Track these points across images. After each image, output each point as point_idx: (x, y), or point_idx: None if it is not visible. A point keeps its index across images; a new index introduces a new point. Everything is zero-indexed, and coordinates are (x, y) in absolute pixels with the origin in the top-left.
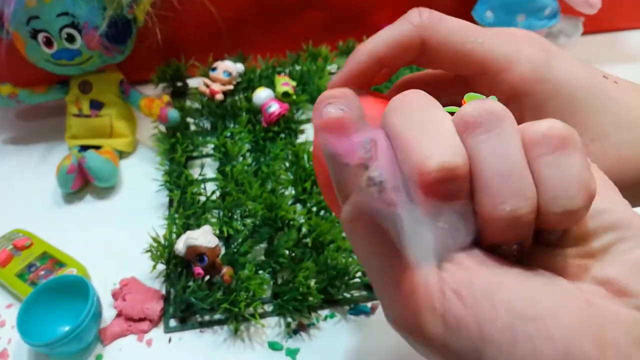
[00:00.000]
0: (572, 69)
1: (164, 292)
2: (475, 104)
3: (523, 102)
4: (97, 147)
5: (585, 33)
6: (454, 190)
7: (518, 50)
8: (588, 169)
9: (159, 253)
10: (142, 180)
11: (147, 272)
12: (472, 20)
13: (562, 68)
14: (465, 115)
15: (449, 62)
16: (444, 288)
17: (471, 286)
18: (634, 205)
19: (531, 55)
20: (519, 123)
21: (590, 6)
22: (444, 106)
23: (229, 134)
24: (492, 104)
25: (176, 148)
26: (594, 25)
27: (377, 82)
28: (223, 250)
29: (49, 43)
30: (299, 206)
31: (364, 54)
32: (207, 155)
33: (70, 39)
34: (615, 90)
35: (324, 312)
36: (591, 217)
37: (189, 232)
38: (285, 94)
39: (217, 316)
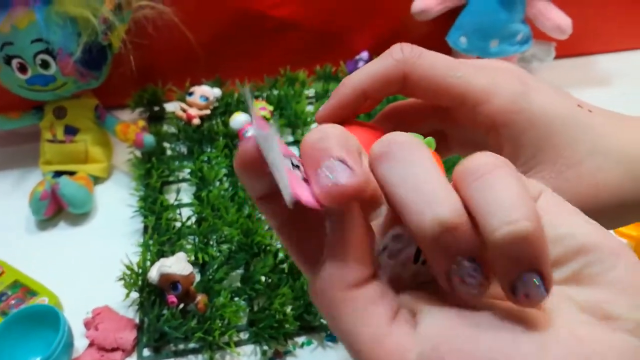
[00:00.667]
0: (549, 100)
1: (137, 320)
2: (381, 140)
3: (502, 133)
4: (71, 173)
5: (557, 57)
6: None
7: (496, 82)
8: (523, 188)
9: (132, 281)
10: (116, 206)
11: (121, 301)
12: (446, 45)
13: (539, 99)
14: (372, 151)
15: (430, 94)
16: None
17: (448, 343)
18: (609, 228)
19: (509, 87)
20: (498, 153)
21: (561, 31)
22: (425, 135)
23: (205, 159)
24: (398, 135)
25: (152, 173)
26: (566, 50)
27: (361, 112)
28: (198, 277)
29: (22, 69)
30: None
31: (349, 88)
32: (183, 180)
33: (45, 65)
34: (589, 119)
35: (301, 339)
36: (555, 243)
37: (162, 260)
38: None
39: (191, 345)
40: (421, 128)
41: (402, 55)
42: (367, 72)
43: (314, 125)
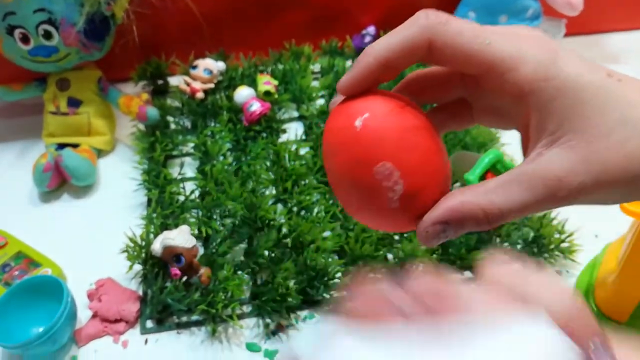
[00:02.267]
0: (578, 69)
1: (140, 293)
2: None
3: (529, 101)
4: (74, 145)
5: (567, 34)
6: None
7: (524, 49)
8: None
9: (135, 253)
10: (120, 179)
11: (124, 273)
12: None
13: (567, 67)
14: None
15: (456, 62)
16: None
17: None
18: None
19: (537, 55)
20: (525, 122)
21: (572, 8)
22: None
23: (209, 133)
24: None
25: (155, 147)
26: (576, 27)
27: (383, 82)
28: (201, 251)
29: (25, 39)
30: (279, 206)
31: (372, 57)
32: (187, 154)
33: (47, 35)
34: (619, 89)
35: (303, 313)
36: None
37: (165, 232)
38: (267, 93)
39: (194, 317)
40: (444, 97)
41: (427, 21)
42: (390, 40)
43: (319, 101)
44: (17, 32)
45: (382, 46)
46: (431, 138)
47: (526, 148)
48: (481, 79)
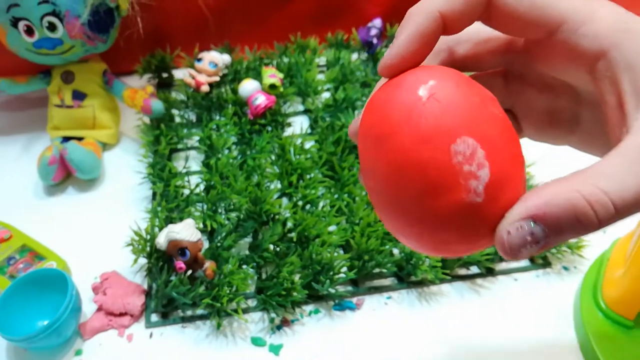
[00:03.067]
0: None
1: (145, 286)
2: None
3: (613, 58)
4: (79, 139)
5: None
6: None
7: (596, 4)
8: None
9: (140, 247)
10: (125, 172)
11: (129, 266)
12: None
13: None
14: None
15: (519, 20)
16: None
17: None
18: None
19: (611, 8)
20: (607, 93)
21: None
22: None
23: (214, 126)
24: None
25: (160, 140)
26: None
27: (427, 52)
28: (206, 245)
29: (30, 32)
30: (284, 200)
31: (422, 14)
32: (192, 148)
33: (52, 27)
34: None
35: (308, 308)
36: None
37: (170, 226)
38: (272, 86)
39: (199, 311)
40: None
41: None
42: None
43: (325, 94)
44: (21, 24)
45: (434, 1)
46: (502, 112)
47: (615, 126)
48: (545, 48)
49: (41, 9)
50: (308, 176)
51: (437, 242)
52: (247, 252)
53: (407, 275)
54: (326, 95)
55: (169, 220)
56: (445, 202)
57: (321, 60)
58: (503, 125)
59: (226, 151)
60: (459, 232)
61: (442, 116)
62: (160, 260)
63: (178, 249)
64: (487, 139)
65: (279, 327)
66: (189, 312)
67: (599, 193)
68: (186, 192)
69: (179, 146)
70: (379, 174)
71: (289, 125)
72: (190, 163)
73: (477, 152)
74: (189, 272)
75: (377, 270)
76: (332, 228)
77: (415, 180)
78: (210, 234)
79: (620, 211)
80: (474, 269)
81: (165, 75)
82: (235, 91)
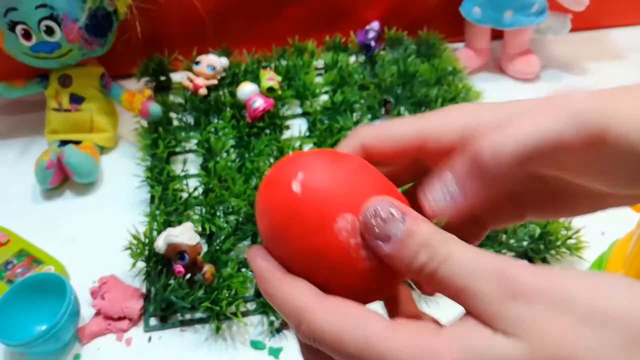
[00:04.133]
0: None
1: (144, 290)
2: None
3: None
4: (77, 142)
5: (572, 30)
6: None
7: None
8: None
9: (138, 250)
10: (123, 176)
11: (127, 270)
12: (459, 16)
13: None
14: None
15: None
16: None
17: None
18: None
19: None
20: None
21: (578, 3)
22: None
23: (212, 130)
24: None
25: (158, 143)
26: (582, 23)
27: None
28: (205, 248)
29: (27, 36)
30: None
31: (348, 141)
32: (190, 151)
33: (49, 31)
34: None
35: None
36: None
37: (169, 229)
38: (271, 89)
39: (198, 315)
40: None
41: None
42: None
43: (323, 97)
44: (19, 28)
45: (361, 134)
46: (378, 175)
47: None
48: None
49: (39, 13)
50: None
51: (359, 298)
52: (246, 256)
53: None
54: (324, 97)
55: (168, 224)
56: (352, 279)
57: (319, 63)
58: (375, 186)
59: (224, 154)
60: (374, 291)
61: (318, 203)
62: (159, 264)
63: (177, 252)
64: (360, 206)
65: (278, 331)
66: (187, 316)
67: None
68: (184, 195)
69: (177, 149)
70: (283, 256)
71: (287, 128)
72: (188, 166)
73: (356, 223)
74: (188, 275)
75: None
76: None
77: (319, 266)
78: (209, 238)
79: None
80: None
81: (163, 78)
82: (233, 94)
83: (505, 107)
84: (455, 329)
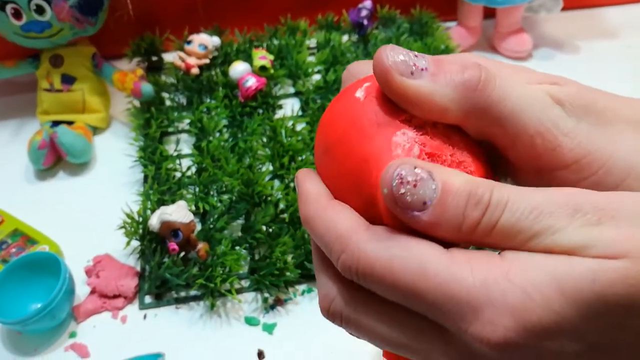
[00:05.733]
0: None
1: (138, 268)
2: None
3: None
4: (69, 123)
5: (565, 8)
6: None
7: None
8: None
9: (132, 229)
10: (116, 156)
11: (121, 249)
12: None
13: None
14: None
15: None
16: None
17: None
18: None
19: None
20: None
21: None
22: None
23: (205, 109)
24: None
25: (151, 123)
26: (574, 1)
27: None
28: (199, 227)
29: (17, 15)
30: (276, 182)
31: None
32: (183, 131)
33: (40, 10)
34: None
35: (301, 287)
36: None
37: (163, 208)
38: (263, 68)
39: (193, 292)
40: None
41: None
42: None
43: (316, 76)
44: (8, 7)
45: None
46: None
47: None
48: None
49: None
50: (300, 158)
51: None
52: (239, 234)
53: None
54: (317, 77)
55: (161, 203)
56: None
57: (311, 42)
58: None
59: (217, 134)
60: None
61: (379, 112)
62: (153, 242)
63: (171, 230)
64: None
65: (272, 307)
66: (182, 294)
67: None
68: (178, 175)
69: (170, 129)
70: (336, 181)
71: (280, 107)
72: (181, 146)
73: (414, 147)
74: (182, 253)
75: None
76: None
77: (363, 181)
78: (203, 216)
79: None
80: None
81: (154, 58)
82: (225, 74)
83: None
84: (528, 259)
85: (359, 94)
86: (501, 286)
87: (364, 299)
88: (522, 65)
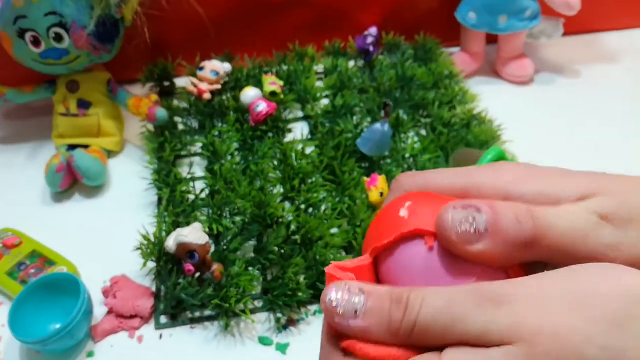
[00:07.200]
0: None
1: (154, 289)
2: None
3: None
4: (84, 147)
5: (565, 34)
6: None
7: None
8: None
9: (149, 251)
10: (131, 179)
11: (138, 270)
12: (455, 21)
13: None
14: None
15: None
16: None
17: None
18: None
19: None
20: None
21: (570, 8)
22: None
23: (217, 133)
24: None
25: (165, 147)
26: (574, 27)
27: None
28: (213, 248)
29: (36, 42)
30: (287, 204)
31: (397, 190)
32: (196, 154)
33: (58, 38)
34: None
35: (313, 308)
36: None
37: (179, 230)
38: (273, 93)
39: (207, 312)
40: None
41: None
42: None
43: (324, 101)
44: (28, 35)
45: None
46: None
47: None
48: None
49: (48, 21)
50: (310, 180)
51: None
52: (252, 255)
53: None
54: (325, 101)
55: (176, 225)
56: None
57: (319, 67)
58: None
59: (229, 157)
60: None
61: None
62: (169, 264)
63: (187, 251)
64: None
65: (285, 327)
66: (197, 314)
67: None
68: (192, 197)
69: (183, 153)
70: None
71: (290, 131)
72: (194, 169)
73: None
74: (197, 274)
75: None
76: (334, 230)
77: None
78: (217, 238)
79: None
80: None
81: (167, 83)
82: (236, 99)
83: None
84: (458, 354)
85: (403, 213)
86: None
87: None
88: (555, 168)
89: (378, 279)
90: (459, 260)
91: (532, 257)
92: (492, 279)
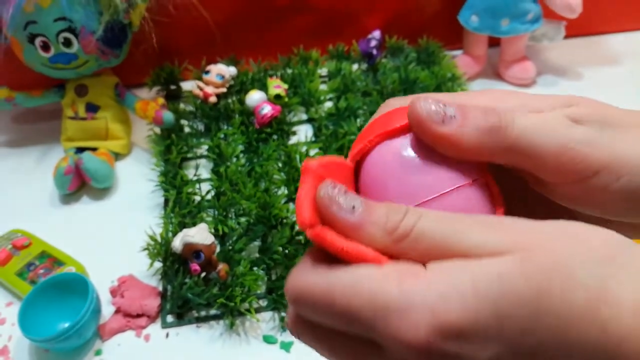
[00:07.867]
0: None
1: (161, 288)
2: None
3: None
4: (92, 149)
5: (567, 36)
6: None
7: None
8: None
9: (155, 251)
10: (137, 180)
11: (144, 270)
12: (458, 24)
13: None
14: None
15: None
16: None
17: None
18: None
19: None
20: None
21: (571, 10)
22: None
23: (222, 136)
24: None
25: (171, 149)
26: (576, 29)
27: None
28: (218, 248)
29: (46, 47)
30: (291, 205)
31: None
32: (202, 157)
33: (67, 43)
34: None
35: None
36: None
37: (185, 230)
38: (278, 96)
39: (213, 311)
40: None
41: None
42: None
43: (327, 104)
44: (38, 40)
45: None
46: None
47: None
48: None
49: (57, 26)
50: None
51: None
52: (257, 255)
53: None
54: (329, 104)
55: (182, 226)
56: None
57: (323, 71)
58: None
59: (234, 159)
60: None
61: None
62: (175, 264)
63: (193, 251)
64: None
65: None
66: (203, 313)
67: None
68: (197, 198)
69: (189, 155)
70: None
71: (294, 133)
72: (200, 171)
73: None
74: (203, 274)
75: None
76: None
77: None
78: (222, 238)
79: None
80: None
81: (173, 87)
82: (241, 102)
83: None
84: (448, 264)
85: (383, 120)
86: (423, 292)
87: (306, 327)
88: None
89: (357, 189)
90: (434, 154)
91: (502, 155)
92: (466, 175)
